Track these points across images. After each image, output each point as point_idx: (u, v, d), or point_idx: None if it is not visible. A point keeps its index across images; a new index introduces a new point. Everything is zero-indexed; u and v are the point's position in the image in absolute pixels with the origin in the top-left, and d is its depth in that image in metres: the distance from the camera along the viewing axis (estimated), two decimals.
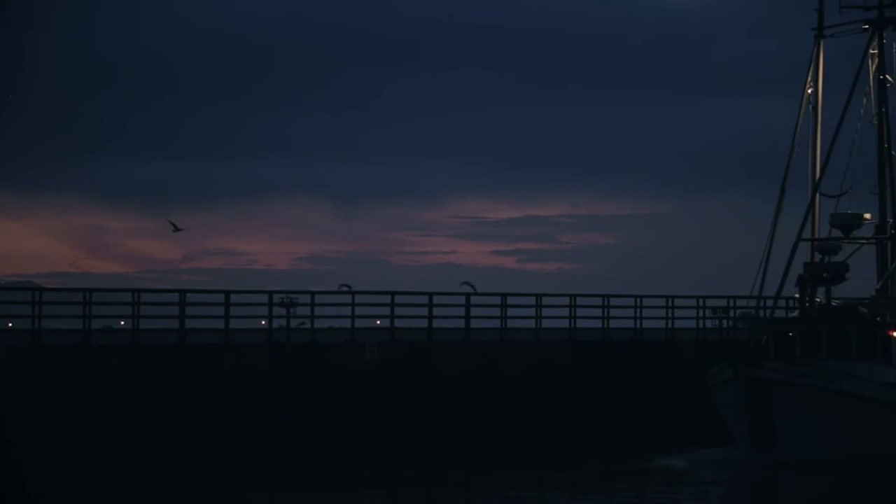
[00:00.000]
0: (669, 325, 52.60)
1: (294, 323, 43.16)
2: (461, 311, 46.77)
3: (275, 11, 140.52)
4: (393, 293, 45.07)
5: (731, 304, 55.28)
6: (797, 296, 45.07)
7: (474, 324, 46.97)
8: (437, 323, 45.62)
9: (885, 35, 45.41)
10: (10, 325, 40.83)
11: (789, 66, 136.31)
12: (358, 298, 45.09)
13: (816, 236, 45.07)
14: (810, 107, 46.08)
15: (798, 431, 38.19)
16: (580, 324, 49.61)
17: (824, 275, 43.05)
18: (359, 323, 44.52)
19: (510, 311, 48.04)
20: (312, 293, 44.07)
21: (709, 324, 54.22)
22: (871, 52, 45.57)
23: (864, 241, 45.27)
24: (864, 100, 45.74)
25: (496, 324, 47.74)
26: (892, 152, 45.60)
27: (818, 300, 43.16)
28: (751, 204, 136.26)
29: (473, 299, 46.95)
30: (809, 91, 45.91)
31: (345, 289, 48.84)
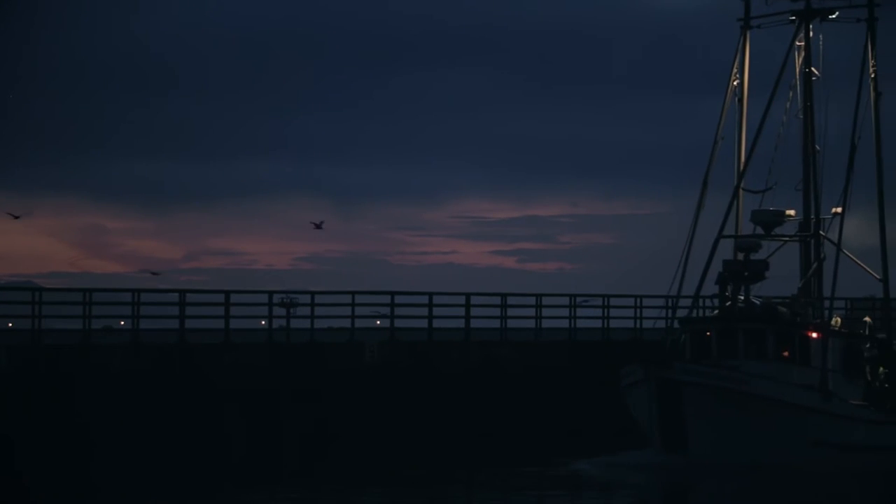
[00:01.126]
0: (670, 325, 52.52)
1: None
2: (461, 311, 46.79)
3: (273, 12, 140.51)
4: (393, 293, 45.07)
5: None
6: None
7: (474, 324, 46.98)
8: (437, 323, 45.61)
9: (811, 27, 43.51)
10: (10, 325, 40.82)
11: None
12: (358, 298, 45.09)
13: (740, 233, 43.48)
14: (736, 99, 44.27)
15: (709, 435, 37.24)
16: (580, 324, 49.64)
17: (744, 273, 41.49)
18: (358, 323, 44.54)
19: (510, 311, 48.08)
20: (312, 293, 44.10)
21: None
22: (798, 44, 43.57)
23: (787, 239, 43.56)
24: (791, 93, 43.88)
25: (496, 324, 47.77)
26: (817, 147, 43.63)
27: (741, 298, 41.56)
28: (750, 204, 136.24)
29: (473, 299, 46.95)
30: (735, 83, 44.08)
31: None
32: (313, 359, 41.81)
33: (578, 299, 48.45)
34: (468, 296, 46.88)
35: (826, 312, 43.15)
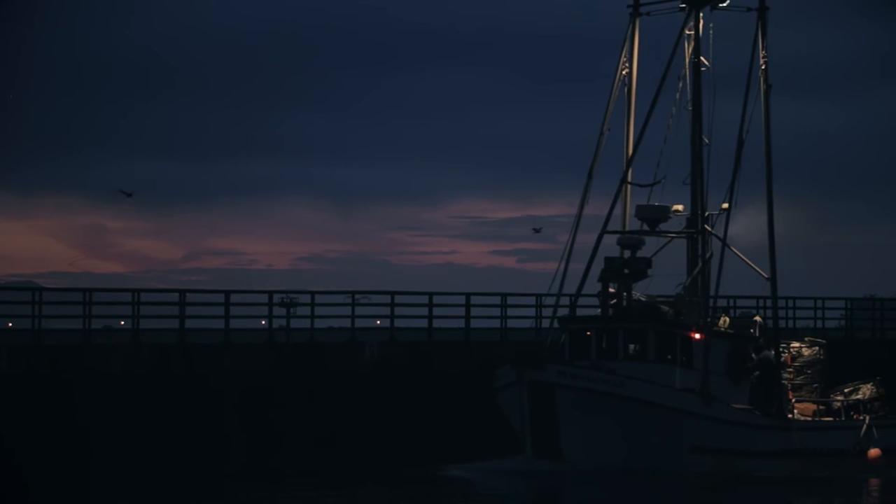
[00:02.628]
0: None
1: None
2: (461, 312, 46.79)
3: (271, 13, 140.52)
4: (393, 293, 45.07)
5: (732, 303, 55.30)
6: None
7: (474, 324, 46.99)
8: (437, 323, 45.59)
9: (701, 15, 41.52)
10: (10, 325, 40.83)
11: (787, 66, 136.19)
12: (358, 298, 45.09)
13: (627, 229, 41.72)
14: (625, 90, 42.41)
15: (583, 439, 36.01)
16: None
17: (626, 271, 39.79)
18: (358, 323, 44.53)
19: (510, 311, 48.07)
20: (312, 293, 44.12)
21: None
22: (688, 32, 41.68)
23: (673, 235, 41.69)
24: (680, 84, 42.06)
25: (496, 324, 47.77)
26: (706, 140, 41.64)
27: (624, 297, 39.95)
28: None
29: (473, 299, 46.95)
30: (624, 73, 42.25)
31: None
32: (313, 359, 41.80)
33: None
34: (468, 296, 46.89)
35: (743, 312, 42.83)
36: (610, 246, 40.82)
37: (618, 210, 41.72)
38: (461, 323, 46.65)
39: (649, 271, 40.27)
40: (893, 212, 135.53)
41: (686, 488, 36.43)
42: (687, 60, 41.86)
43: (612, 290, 40.01)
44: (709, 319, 39.47)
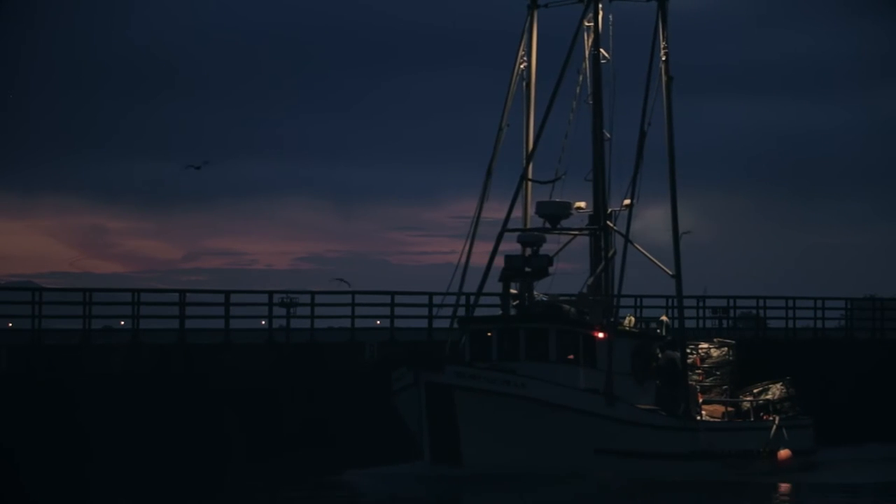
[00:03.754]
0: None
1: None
2: (461, 312, 46.67)
3: (271, 13, 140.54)
4: (393, 293, 45.03)
5: (732, 303, 55.34)
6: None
7: None
8: (437, 323, 45.54)
9: (601, 6, 40.40)
10: (10, 325, 40.82)
11: (786, 66, 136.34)
12: (358, 298, 45.09)
13: (528, 227, 40.22)
14: (523, 84, 40.87)
15: (483, 442, 34.25)
16: None
17: (526, 269, 38.33)
18: (358, 323, 44.50)
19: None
20: (312, 293, 44.12)
21: (709, 323, 54.32)
22: (587, 24, 40.40)
23: (576, 233, 40.47)
24: (580, 77, 40.60)
25: None
26: (607, 134, 40.33)
27: (526, 296, 38.50)
28: (749, 204, 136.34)
29: (474, 299, 46.85)
30: (522, 66, 40.78)
31: (340, 283, 48.10)
32: (313, 359, 41.80)
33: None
34: (468, 296, 46.82)
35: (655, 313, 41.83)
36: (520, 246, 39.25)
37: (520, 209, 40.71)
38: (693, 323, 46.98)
39: (551, 269, 38.92)
40: (893, 212, 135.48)
41: (590, 492, 35.04)
42: (587, 53, 40.69)
43: (513, 290, 38.90)
44: (612, 318, 38.35)
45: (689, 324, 51.61)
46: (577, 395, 35.97)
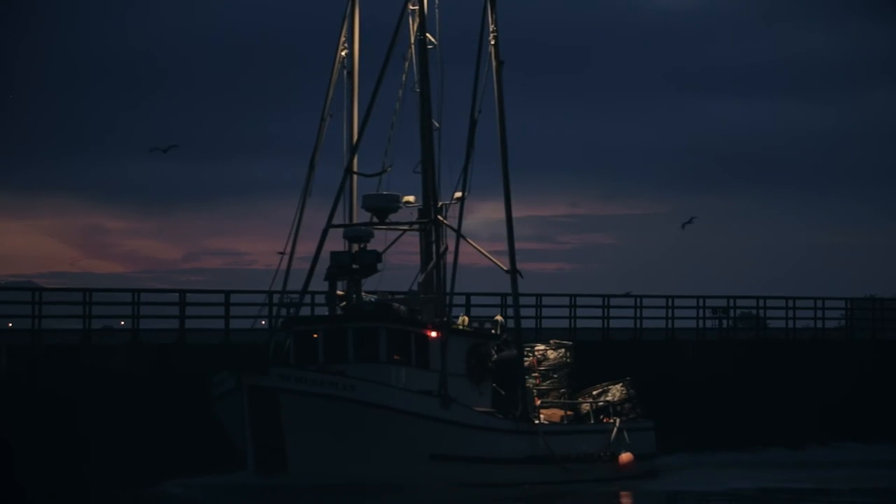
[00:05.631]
0: (669, 325, 52.63)
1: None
2: (461, 312, 46.68)
3: (271, 13, 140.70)
4: (470, 294, 44.83)
5: (732, 303, 55.34)
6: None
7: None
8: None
9: None
10: (10, 325, 40.83)
11: (787, 66, 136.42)
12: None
13: (355, 222, 38.20)
14: (345, 72, 38.49)
15: (311, 450, 32.11)
16: (580, 324, 49.64)
17: (353, 266, 36.46)
18: None
19: (509, 311, 47.98)
20: (312, 293, 44.02)
21: (709, 324, 54.34)
22: (412, 7, 38.32)
23: (405, 228, 38.48)
24: (406, 64, 38.59)
25: None
26: (436, 124, 38.19)
27: (354, 295, 36.67)
28: (749, 204, 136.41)
29: (473, 299, 46.87)
30: (344, 53, 38.41)
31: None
32: None
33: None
34: (468, 296, 46.82)
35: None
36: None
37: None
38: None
39: (379, 266, 36.94)
40: (893, 212, 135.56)
41: (425, 500, 33.45)
42: (412, 39, 38.66)
43: (340, 292, 37.15)
44: (446, 317, 36.44)
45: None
46: (410, 397, 33.90)
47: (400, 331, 35.27)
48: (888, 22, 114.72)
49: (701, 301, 53.59)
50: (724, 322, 55.38)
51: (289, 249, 37.40)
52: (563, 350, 40.72)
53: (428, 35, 38.41)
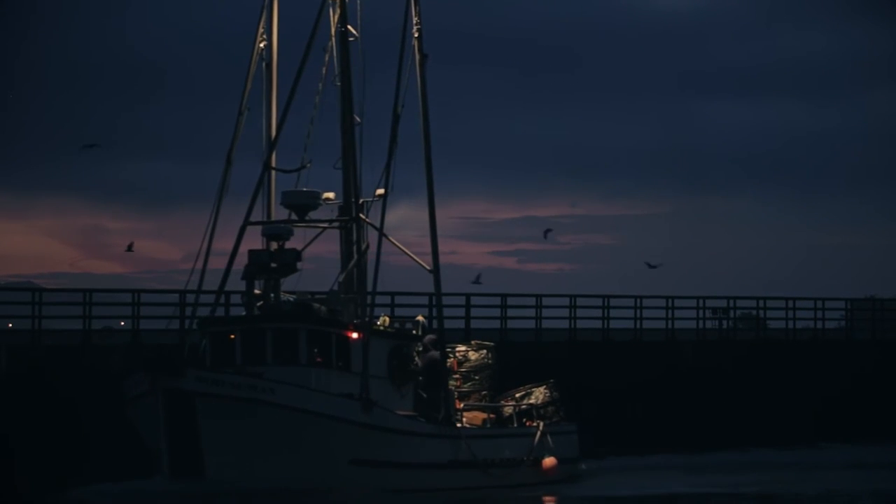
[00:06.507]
0: (669, 326, 52.66)
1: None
2: (461, 312, 46.76)
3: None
4: (393, 293, 44.91)
5: (732, 304, 55.37)
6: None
7: (474, 324, 46.92)
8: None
9: None
10: (10, 325, 40.84)
11: (787, 67, 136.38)
12: None
13: (273, 219, 37.23)
14: (263, 64, 37.54)
15: (228, 455, 31.03)
16: (580, 324, 49.69)
17: (272, 265, 35.53)
18: None
19: (510, 312, 48.06)
20: (312, 293, 44.00)
21: (709, 324, 54.38)
22: None
23: (325, 225, 37.65)
24: (327, 56, 37.63)
25: (496, 324, 47.74)
26: (357, 118, 37.37)
27: (272, 295, 35.78)
28: (749, 204, 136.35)
29: (473, 299, 46.93)
30: (262, 45, 37.45)
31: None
32: None
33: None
34: (468, 296, 46.87)
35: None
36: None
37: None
38: (461, 323, 46.60)
39: (299, 265, 35.89)
40: (893, 212, 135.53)
41: None
42: (333, 30, 37.61)
43: (258, 291, 36.25)
44: (367, 317, 35.62)
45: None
46: (331, 400, 32.84)
47: (320, 332, 34.33)
48: (889, 22, 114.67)
49: (701, 301, 53.62)
50: (724, 322, 55.43)
51: (204, 248, 36.31)
52: (484, 351, 39.81)
53: (349, 27, 37.48)
